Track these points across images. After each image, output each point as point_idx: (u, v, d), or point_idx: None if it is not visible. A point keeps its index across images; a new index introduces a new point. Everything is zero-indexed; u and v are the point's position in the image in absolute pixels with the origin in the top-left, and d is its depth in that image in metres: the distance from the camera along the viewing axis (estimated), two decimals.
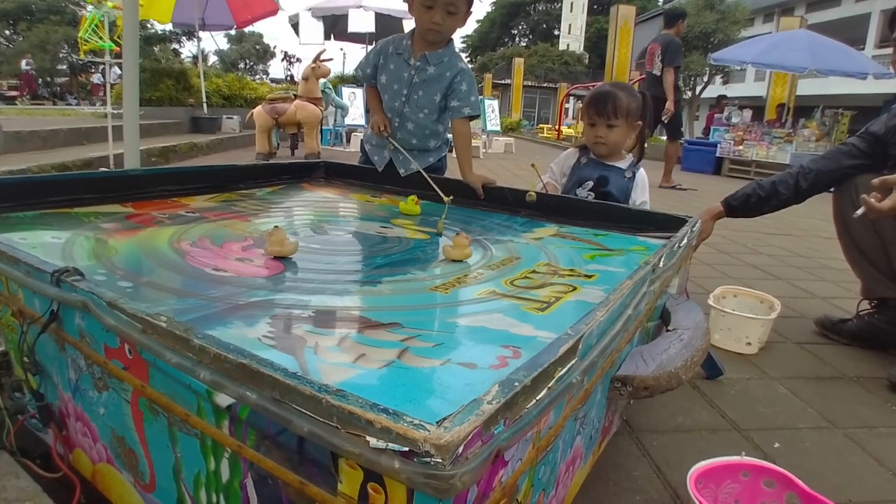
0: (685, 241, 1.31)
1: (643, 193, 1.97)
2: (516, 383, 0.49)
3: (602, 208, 1.76)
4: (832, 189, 2.10)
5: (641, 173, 1.99)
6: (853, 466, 1.30)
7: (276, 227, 1.24)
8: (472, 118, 2.08)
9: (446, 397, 0.62)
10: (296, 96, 6.95)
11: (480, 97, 12.29)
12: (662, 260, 1.08)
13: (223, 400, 0.53)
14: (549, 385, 0.54)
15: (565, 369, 0.57)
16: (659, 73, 6.16)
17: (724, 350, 1.89)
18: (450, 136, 2.21)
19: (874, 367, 1.86)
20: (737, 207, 2.11)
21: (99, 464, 0.80)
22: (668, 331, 1.11)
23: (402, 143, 2.13)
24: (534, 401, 0.51)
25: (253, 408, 0.50)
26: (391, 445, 0.42)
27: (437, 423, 0.42)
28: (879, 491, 1.22)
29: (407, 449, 0.41)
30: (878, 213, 1.57)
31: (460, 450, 0.41)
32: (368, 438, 0.42)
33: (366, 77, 2.20)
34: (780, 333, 2.09)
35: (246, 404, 0.51)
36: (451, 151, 2.24)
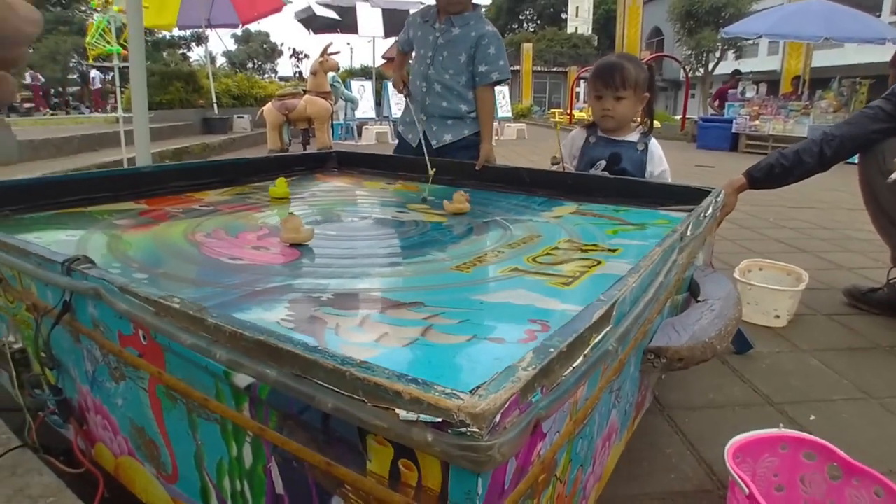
0: (710, 210, 1.27)
1: (661, 163, 1.92)
2: (552, 349, 0.46)
3: (621, 184, 1.72)
4: (852, 159, 2.04)
5: (654, 143, 1.94)
6: (892, 437, 1.26)
7: (290, 213, 1.22)
8: (500, 83, 2.10)
9: (476, 372, 0.59)
10: (305, 92, 6.94)
11: None
12: (690, 229, 1.04)
13: (242, 380, 0.50)
14: (585, 352, 0.51)
15: (601, 336, 0.54)
16: None
17: (752, 324, 1.84)
18: None
19: None
20: (760, 179, 2.04)
21: (121, 457, 0.79)
22: (697, 302, 1.07)
23: (431, 109, 2.15)
24: (570, 368, 0.48)
25: (273, 386, 0.47)
26: (422, 417, 0.39)
27: (470, 391, 0.39)
28: None
29: (440, 420, 0.38)
30: None
31: (497, 419, 0.38)
32: (398, 411, 0.40)
33: (401, 44, 2.29)
34: (809, 306, 2.04)
35: (266, 383, 0.48)
36: None
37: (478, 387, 0.40)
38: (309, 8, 10.58)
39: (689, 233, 1.03)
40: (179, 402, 0.61)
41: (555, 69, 33.14)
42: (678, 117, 13.92)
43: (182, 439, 0.63)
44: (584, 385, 0.53)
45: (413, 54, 2.22)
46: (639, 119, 1.96)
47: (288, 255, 1.12)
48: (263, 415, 0.52)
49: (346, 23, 10.77)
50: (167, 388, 0.62)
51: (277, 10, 9.61)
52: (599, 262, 1.09)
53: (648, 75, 1.90)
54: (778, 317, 1.86)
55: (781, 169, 2.01)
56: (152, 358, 0.62)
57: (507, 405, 0.38)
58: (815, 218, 3.75)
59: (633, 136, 1.93)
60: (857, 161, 2.06)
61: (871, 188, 2.00)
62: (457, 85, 2.10)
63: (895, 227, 1.98)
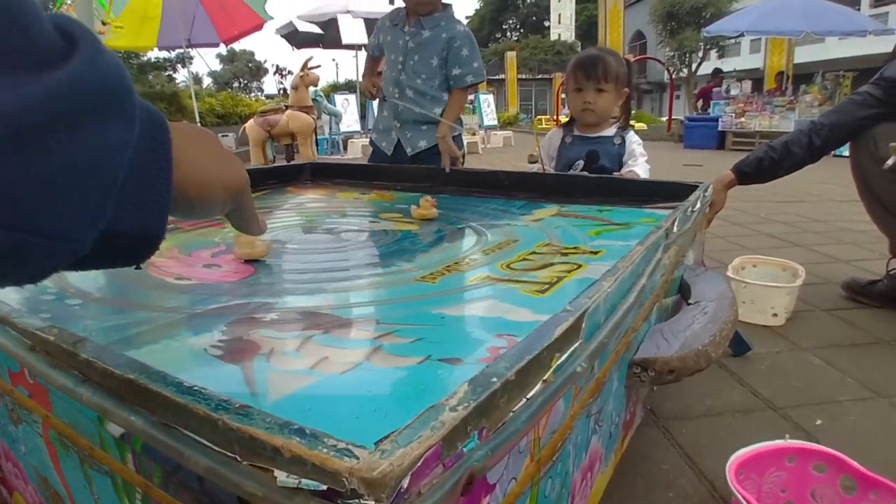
0: (699, 204, 1.18)
1: (636, 154, 1.84)
2: (494, 379, 0.36)
3: (604, 182, 1.63)
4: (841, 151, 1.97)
5: (631, 135, 1.86)
6: None
7: None
8: (476, 85, 2.04)
9: (422, 402, 0.49)
10: (287, 107, 6.85)
11: (475, 93, 12.24)
12: (676, 224, 0.95)
13: (114, 429, 0.41)
14: (545, 377, 0.41)
15: (566, 355, 0.45)
16: None
17: (749, 324, 1.75)
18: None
19: None
20: (749, 173, 1.95)
21: None
22: (689, 305, 0.98)
23: (405, 115, 2.06)
24: (523, 400, 0.38)
25: (141, 437, 0.38)
26: (305, 482, 0.29)
27: (375, 444, 0.29)
28: None
29: (325, 487, 0.28)
30: None
31: (405, 483, 0.28)
32: (276, 473, 0.30)
33: (371, 49, 2.23)
34: (807, 301, 1.96)
35: (133, 433, 0.38)
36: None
37: (384, 438, 0.30)
38: (290, 23, 10.52)
39: (675, 229, 0.94)
40: (71, 450, 0.51)
41: (540, 76, 33.28)
42: (664, 119, 13.93)
43: (81, 493, 0.53)
44: (546, 417, 0.43)
45: (385, 59, 2.15)
46: (617, 115, 1.90)
47: (241, 273, 1.02)
48: (147, 468, 0.42)
49: (329, 37, 10.70)
50: (58, 434, 0.52)
51: (258, 28, 9.52)
52: (580, 266, 1.00)
53: (627, 70, 1.84)
54: (775, 315, 1.77)
55: (771, 162, 1.92)
56: (39, 399, 0.52)
57: (420, 463, 0.29)
58: (806, 212, 3.68)
59: (610, 132, 1.86)
60: (846, 153, 1.99)
61: (864, 177, 1.93)
62: (430, 90, 2.02)
63: (891, 216, 1.90)
